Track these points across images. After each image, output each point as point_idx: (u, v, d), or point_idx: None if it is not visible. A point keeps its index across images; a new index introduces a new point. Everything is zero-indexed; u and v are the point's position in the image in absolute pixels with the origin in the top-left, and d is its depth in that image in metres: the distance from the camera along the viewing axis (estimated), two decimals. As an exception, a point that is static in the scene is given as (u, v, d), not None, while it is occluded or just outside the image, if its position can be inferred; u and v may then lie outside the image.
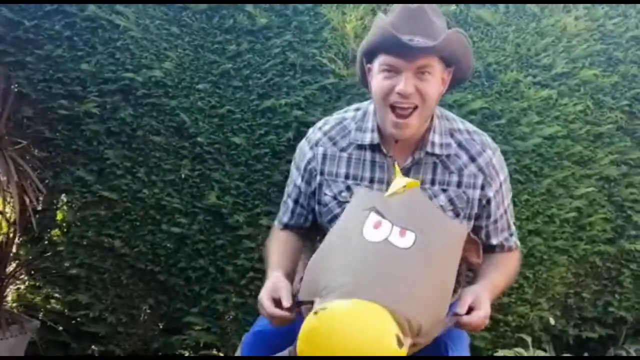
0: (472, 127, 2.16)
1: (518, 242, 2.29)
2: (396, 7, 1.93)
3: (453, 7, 3.95)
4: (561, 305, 4.30)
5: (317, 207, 2.13)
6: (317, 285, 1.66)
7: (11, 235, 3.87)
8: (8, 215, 3.89)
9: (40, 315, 3.96)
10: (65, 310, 3.96)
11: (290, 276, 2.05)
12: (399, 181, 1.81)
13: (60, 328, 3.93)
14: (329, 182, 2.07)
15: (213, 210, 3.81)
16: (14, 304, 4.03)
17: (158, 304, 3.96)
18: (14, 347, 3.66)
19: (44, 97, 3.69)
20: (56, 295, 4.01)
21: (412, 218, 1.73)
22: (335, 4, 3.80)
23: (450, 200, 2.02)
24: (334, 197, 2.05)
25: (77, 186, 3.77)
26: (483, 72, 3.98)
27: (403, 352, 1.52)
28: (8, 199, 3.81)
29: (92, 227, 3.81)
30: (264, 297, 1.94)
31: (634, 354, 4.30)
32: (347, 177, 2.05)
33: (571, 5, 4.12)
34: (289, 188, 2.26)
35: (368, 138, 2.04)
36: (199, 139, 3.75)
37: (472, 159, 2.05)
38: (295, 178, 2.21)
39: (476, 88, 3.97)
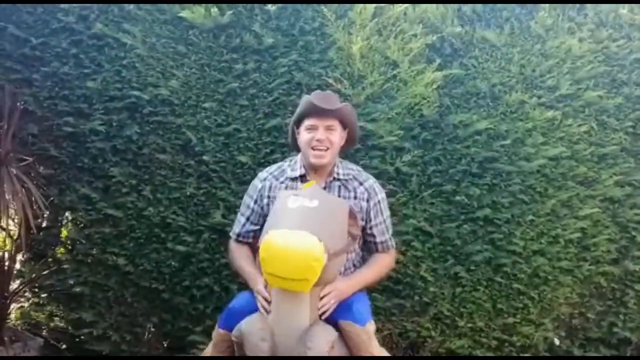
0: (360, 169, 3.27)
1: (394, 244, 3.29)
2: (314, 93, 3.02)
3: (459, 28, 3.96)
4: (566, 326, 4.29)
5: (258, 210, 3.17)
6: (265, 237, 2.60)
7: (13, 252, 3.85)
8: (12, 232, 3.88)
9: (44, 333, 3.94)
10: (69, 328, 3.94)
11: None
12: (311, 184, 2.91)
13: (64, 346, 3.91)
14: (272, 202, 3.02)
15: (218, 229, 3.81)
16: (18, 322, 4.01)
17: (162, 322, 3.95)
18: (17, 365, 3.65)
19: (49, 115, 3.70)
20: (60, 313, 4.00)
21: (314, 194, 2.74)
22: (342, 25, 3.82)
23: (350, 207, 2.91)
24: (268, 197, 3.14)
25: (82, 204, 3.77)
26: (488, 93, 3.99)
27: (323, 259, 2.52)
28: (12, 216, 3.80)
29: (97, 244, 3.81)
30: (263, 291, 2.86)
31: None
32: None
33: (576, 27, 4.13)
34: (242, 209, 3.24)
35: (297, 172, 3.12)
36: (204, 157, 3.76)
37: (361, 184, 3.16)
38: (248, 202, 3.19)
39: (481, 109, 3.98)
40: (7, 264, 3.86)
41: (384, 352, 3.08)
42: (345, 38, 3.82)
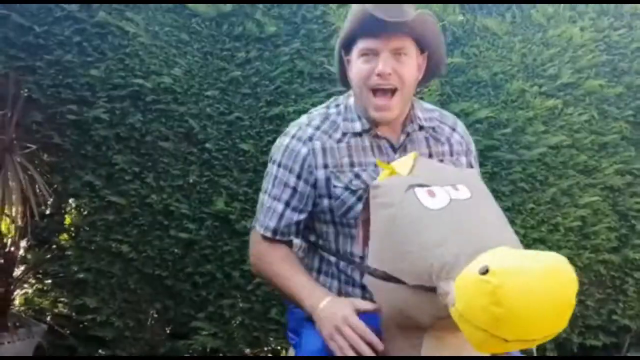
0: (434, 106, 2.26)
1: None
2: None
3: (460, 17, 3.98)
4: (565, 314, 4.31)
5: (327, 202, 2.03)
6: (427, 270, 1.48)
7: (17, 239, 3.88)
8: (16, 219, 3.90)
9: (48, 319, 3.97)
10: (73, 314, 3.96)
11: None
12: (403, 159, 1.79)
13: (68, 332, 3.94)
14: (335, 173, 1.99)
15: (221, 216, 3.83)
16: (22, 308, 4.03)
17: (165, 308, 3.98)
18: (21, 351, 3.68)
19: (53, 102, 3.71)
20: (63, 299, 4.01)
21: (447, 176, 1.70)
22: (344, 14, 3.82)
23: None
24: (346, 188, 1.99)
25: (86, 191, 3.79)
26: (489, 82, 4.01)
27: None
28: (15, 203, 3.82)
29: (100, 231, 3.83)
30: (354, 318, 1.75)
31: (637, 363, 4.33)
32: (352, 165, 2.01)
33: (577, 16, 4.16)
34: (274, 191, 2.11)
35: (358, 126, 2.04)
36: (207, 145, 3.77)
37: (453, 129, 2.17)
38: (286, 179, 2.07)
39: (482, 97, 4.00)
40: (11, 250, 3.88)
41: None
42: (347, 26, 3.83)
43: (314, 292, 1.92)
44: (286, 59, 3.81)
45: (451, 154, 2.10)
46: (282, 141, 2.11)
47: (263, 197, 2.17)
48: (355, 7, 1.94)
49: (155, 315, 4.03)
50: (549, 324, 1.35)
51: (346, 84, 2.13)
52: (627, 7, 4.25)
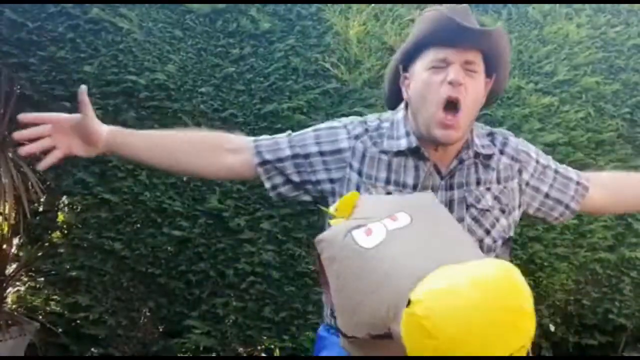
0: (485, 127, 2.04)
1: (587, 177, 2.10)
2: (441, 7, 1.78)
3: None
4: (561, 312, 4.30)
5: None
6: (375, 319, 1.31)
7: (8, 236, 3.86)
8: (8, 216, 3.88)
9: (40, 317, 3.95)
10: (65, 312, 3.94)
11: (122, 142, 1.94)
12: (341, 202, 1.62)
13: (60, 330, 3.92)
14: (367, 185, 1.84)
15: (214, 214, 3.81)
16: (14, 306, 4.02)
17: (158, 307, 3.96)
18: (13, 349, 3.66)
19: (46, 99, 3.69)
20: (56, 297, 4.00)
21: (387, 207, 1.53)
22: (339, 10, 3.81)
23: (496, 198, 1.89)
24: None
25: (79, 188, 3.76)
26: (485, 79, 3.99)
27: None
28: (8, 200, 3.80)
29: (93, 229, 3.81)
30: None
31: (633, 362, 4.31)
32: (387, 182, 1.85)
33: (573, 12, 4.14)
34: (295, 138, 1.96)
35: (404, 142, 1.85)
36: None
37: (501, 152, 1.94)
38: (307, 141, 1.92)
39: (478, 94, 3.98)
40: (3, 247, 3.86)
41: None
42: (342, 23, 3.81)
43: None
44: (280, 56, 3.79)
45: (498, 182, 1.90)
46: (333, 121, 1.98)
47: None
48: (429, 13, 1.79)
49: (148, 314, 4.02)
50: (501, 342, 1.19)
51: (393, 104, 1.98)
52: (624, 4, 4.24)
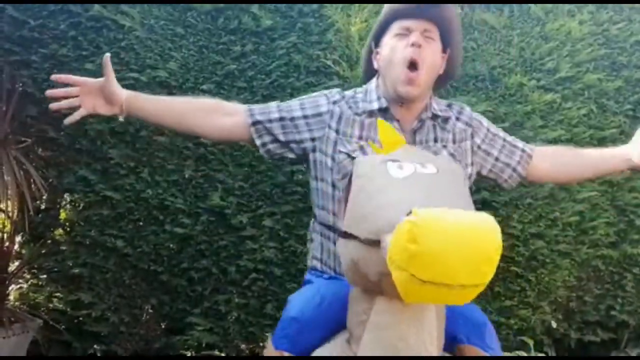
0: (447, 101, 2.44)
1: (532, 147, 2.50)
2: None
3: (458, 10, 3.94)
4: (563, 309, 4.30)
5: (330, 163, 2.22)
6: (377, 225, 1.58)
7: (11, 233, 3.86)
8: (11, 213, 3.88)
9: (43, 314, 3.95)
10: (68, 310, 3.95)
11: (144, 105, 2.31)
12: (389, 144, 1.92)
13: (63, 327, 3.92)
14: (343, 141, 2.20)
15: (216, 211, 3.81)
16: (17, 303, 4.02)
17: (160, 304, 3.96)
18: (16, 346, 3.66)
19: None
20: (58, 294, 4.00)
21: (420, 157, 1.84)
22: (341, 7, 3.81)
23: (452, 154, 2.22)
24: (348, 155, 2.17)
25: (81, 186, 3.77)
26: (487, 76, 3.99)
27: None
28: (10, 198, 3.81)
29: (95, 226, 3.81)
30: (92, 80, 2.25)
31: (635, 358, 4.31)
32: (360, 137, 2.21)
33: (576, 9, 4.13)
34: (282, 105, 2.33)
35: (376, 104, 2.23)
36: (203, 139, 3.75)
37: (457, 118, 2.32)
38: (293, 107, 2.30)
39: (480, 91, 3.98)
40: (6, 245, 3.87)
41: None
42: (344, 20, 3.81)
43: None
44: (282, 53, 3.79)
45: (454, 142, 2.27)
46: (314, 93, 2.36)
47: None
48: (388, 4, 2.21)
49: (151, 311, 4.02)
50: (463, 272, 1.39)
51: (367, 78, 2.38)
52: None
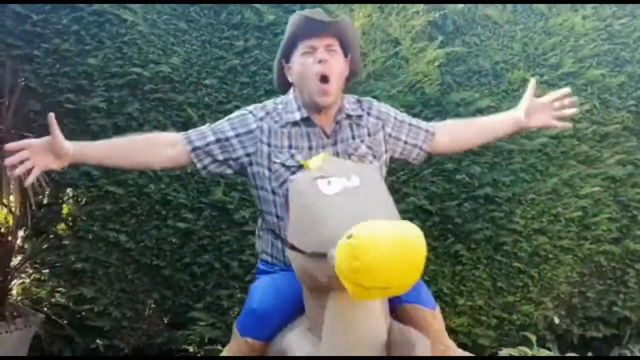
0: (356, 97, 2.65)
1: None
2: (302, 12, 2.44)
3: (461, 6, 3.95)
4: (566, 305, 4.30)
5: (267, 173, 2.43)
6: (318, 241, 1.89)
7: (14, 228, 3.86)
8: (13, 208, 3.88)
9: (45, 308, 3.95)
10: (70, 304, 3.95)
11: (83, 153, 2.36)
12: (316, 158, 2.19)
13: (65, 322, 3.92)
14: (275, 152, 2.42)
15: (219, 206, 3.81)
16: (19, 298, 4.02)
17: (163, 299, 3.96)
18: (18, 341, 3.67)
19: (50, 91, 3.70)
20: (61, 289, 4.01)
21: (345, 169, 2.10)
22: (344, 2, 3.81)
23: (369, 147, 2.49)
24: (282, 164, 2.40)
25: (83, 180, 3.77)
26: (490, 71, 3.98)
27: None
28: (13, 192, 3.80)
29: (98, 221, 3.82)
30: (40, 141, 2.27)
31: (638, 354, 4.30)
32: (290, 147, 2.43)
33: (579, 4, 4.11)
34: (214, 127, 2.47)
35: (298, 115, 2.45)
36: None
37: (368, 114, 2.56)
38: (225, 129, 2.45)
39: (483, 86, 3.97)
40: (9, 239, 3.87)
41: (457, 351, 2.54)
42: (346, 14, 3.80)
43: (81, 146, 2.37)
44: (285, 48, 3.79)
45: (369, 135, 2.52)
46: (241, 110, 2.52)
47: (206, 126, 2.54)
48: (294, 16, 2.45)
49: (153, 306, 4.02)
50: (398, 276, 1.74)
51: (283, 89, 2.60)
52: (629, -3, 4.23)
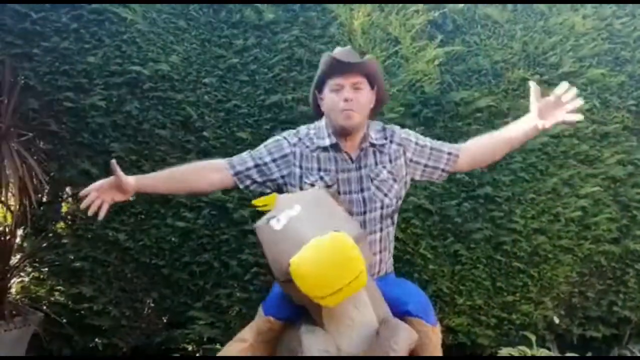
0: (381, 124, 2.91)
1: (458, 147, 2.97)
2: (335, 51, 2.77)
3: (461, 5, 3.94)
4: (565, 304, 4.29)
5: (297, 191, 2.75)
6: (280, 271, 2.25)
7: (13, 227, 3.86)
8: (12, 206, 3.88)
9: (44, 307, 3.95)
10: (69, 303, 3.95)
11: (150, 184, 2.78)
12: (268, 198, 2.50)
13: (64, 320, 3.92)
14: (307, 174, 2.75)
15: (218, 205, 3.81)
16: (18, 296, 4.02)
17: (162, 298, 3.96)
18: (17, 339, 3.66)
19: (49, 90, 3.69)
20: (60, 287, 4.00)
21: (289, 202, 2.41)
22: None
23: (390, 172, 2.77)
24: (312, 185, 2.71)
25: (82, 179, 3.75)
26: (490, 70, 3.98)
27: (354, 243, 2.14)
28: (12, 191, 3.80)
29: (97, 220, 3.79)
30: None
31: (638, 354, 4.29)
32: (319, 170, 2.76)
33: (579, 4, 4.11)
34: (254, 154, 2.82)
35: (327, 141, 2.76)
36: (204, 133, 3.75)
37: (391, 141, 2.82)
38: (263, 155, 2.80)
39: (483, 86, 3.96)
40: (7, 238, 3.86)
41: None
42: (346, 14, 3.80)
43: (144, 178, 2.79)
44: (285, 47, 3.79)
45: (390, 161, 2.80)
46: (276, 137, 2.86)
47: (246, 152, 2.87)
48: (324, 56, 2.73)
49: (152, 304, 4.02)
50: (336, 276, 2.09)
51: (318, 115, 2.87)
52: (630, -4, 4.22)
